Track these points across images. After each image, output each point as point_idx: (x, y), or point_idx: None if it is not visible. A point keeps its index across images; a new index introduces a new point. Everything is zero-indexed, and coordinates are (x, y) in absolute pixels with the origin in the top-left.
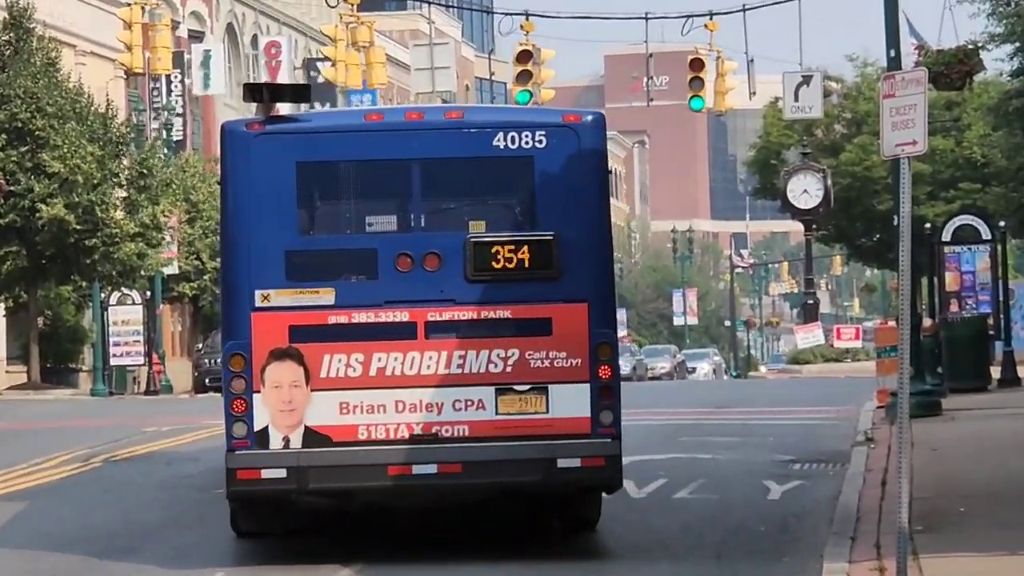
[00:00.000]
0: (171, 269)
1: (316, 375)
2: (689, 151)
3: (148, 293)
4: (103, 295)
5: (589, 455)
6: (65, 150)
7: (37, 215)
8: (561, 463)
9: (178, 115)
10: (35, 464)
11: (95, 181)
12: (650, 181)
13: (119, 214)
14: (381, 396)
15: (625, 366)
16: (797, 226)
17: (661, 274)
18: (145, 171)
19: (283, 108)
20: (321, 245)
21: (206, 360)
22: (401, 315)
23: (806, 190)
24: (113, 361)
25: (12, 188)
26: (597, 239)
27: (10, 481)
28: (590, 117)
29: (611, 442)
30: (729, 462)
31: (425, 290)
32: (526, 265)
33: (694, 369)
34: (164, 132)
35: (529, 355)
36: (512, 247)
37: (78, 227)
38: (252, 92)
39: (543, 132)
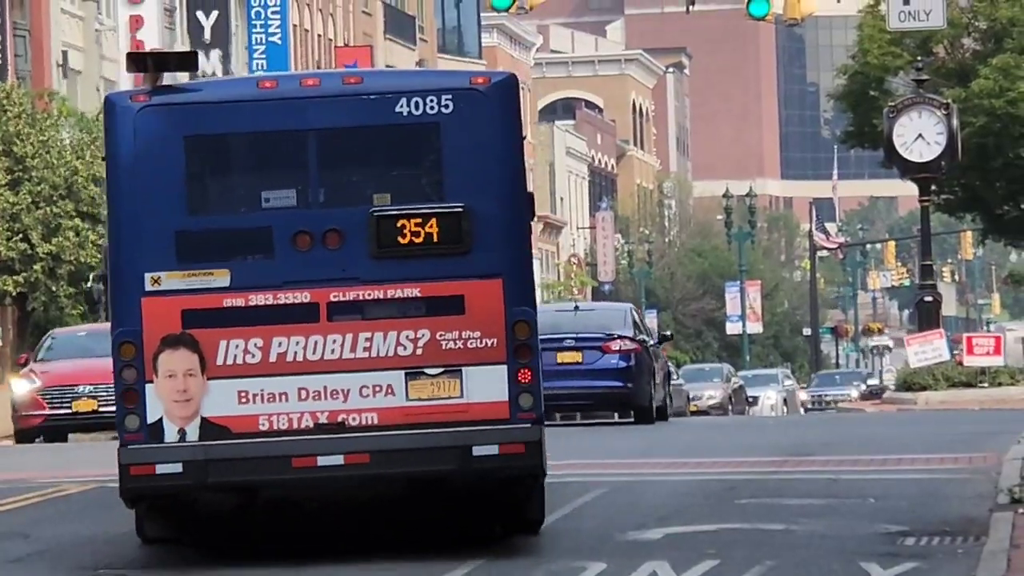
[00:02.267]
0: None
1: (212, 362)
2: (749, 79)
3: None
4: None
5: (507, 441)
6: None
7: None
8: (477, 451)
9: None
10: None
11: None
12: (691, 123)
13: None
14: (283, 383)
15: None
16: (908, 188)
17: (709, 260)
18: None
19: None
20: (214, 224)
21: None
22: (301, 296)
23: (921, 135)
24: None
25: None
26: (511, 210)
27: None
28: (500, 78)
29: (531, 427)
30: (810, 535)
31: (326, 269)
32: (435, 240)
33: (756, 399)
34: None
35: (440, 336)
36: (419, 221)
37: None
38: (135, 62)
39: (449, 96)
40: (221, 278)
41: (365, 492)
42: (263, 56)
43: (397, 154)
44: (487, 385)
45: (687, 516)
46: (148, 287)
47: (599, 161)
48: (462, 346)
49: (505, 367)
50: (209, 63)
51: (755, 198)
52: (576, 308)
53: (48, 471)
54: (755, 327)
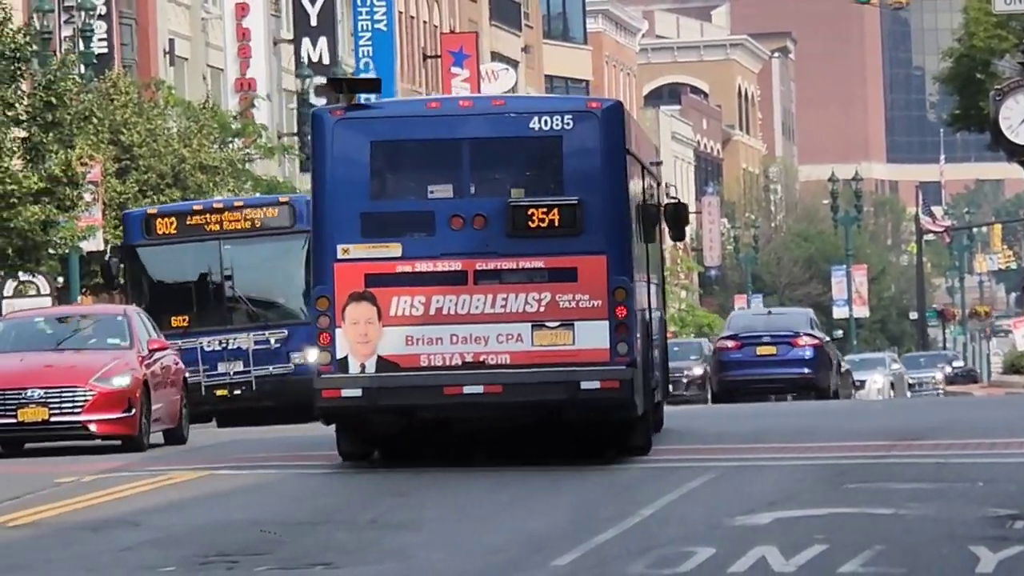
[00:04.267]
0: (94, 243)
1: (387, 313)
2: (854, 63)
3: (60, 279)
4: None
5: (607, 378)
6: None
7: None
8: (584, 385)
9: (100, 17)
10: None
11: None
12: (797, 108)
13: (16, 163)
14: (439, 331)
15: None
16: (1015, 171)
17: (815, 244)
18: (54, 100)
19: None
20: (390, 208)
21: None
22: (454, 265)
23: None
24: None
25: None
26: (614, 203)
27: None
28: (609, 104)
29: (625, 368)
30: (919, 519)
31: (474, 245)
32: (556, 224)
33: (862, 383)
34: (80, 42)
35: (559, 297)
36: (544, 210)
37: None
38: (334, 85)
39: (570, 116)
40: (394, 249)
41: (499, 416)
42: (368, 43)
43: (529, 159)
44: (593, 335)
45: (796, 501)
46: (339, 255)
47: (705, 146)
48: (575, 305)
49: (607, 322)
50: (316, 50)
51: (861, 182)
52: (769, 312)
53: (172, 464)
54: (861, 311)
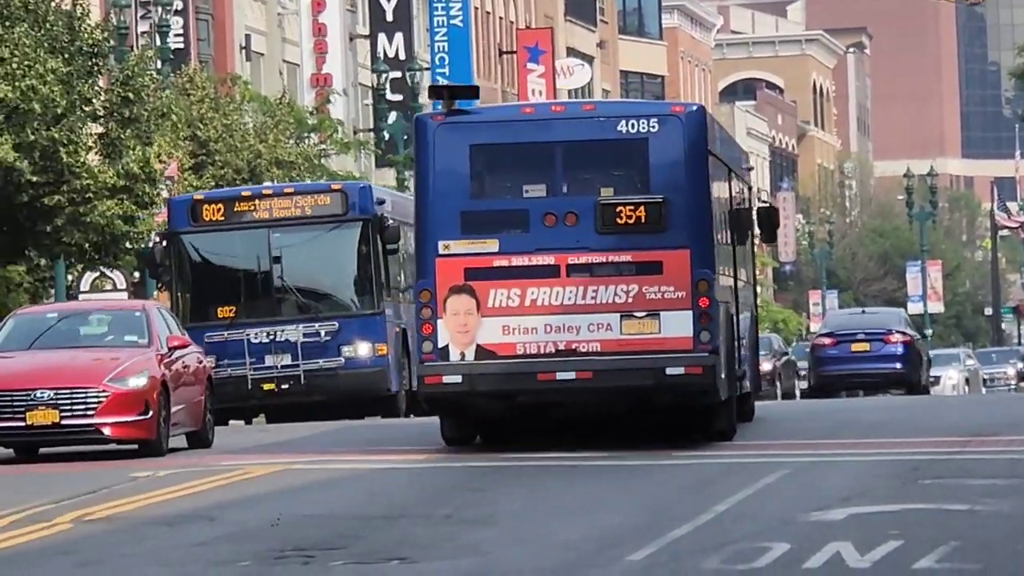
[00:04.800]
0: None
1: (485, 305)
2: (929, 58)
3: (137, 274)
4: (70, 277)
5: (690, 364)
6: (14, 65)
7: None
8: (669, 371)
9: (177, 12)
10: None
11: (58, 111)
12: (872, 103)
13: (94, 158)
14: (533, 321)
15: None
16: None
17: (890, 240)
18: (131, 95)
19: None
20: (488, 207)
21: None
22: (548, 259)
23: None
24: None
25: None
26: (696, 201)
27: None
28: (692, 108)
29: (708, 355)
30: (994, 516)
31: (566, 240)
32: (642, 221)
33: (937, 379)
34: (157, 37)
35: (645, 289)
36: (632, 207)
37: (33, 178)
38: (436, 92)
39: (655, 120)
40: (492, 245)
41: (590, 401)
42: (444, 38)
43: (617, 160)
44: (677, 324)
45: (870, 496)
46: (440, 251)
47: (780, 142)
48: (660, 296)
49: (691, 312)
50: (391, 46)
51: (936, 177)
52: (863, 311)
53: (242, 459)
54: (936, 307)
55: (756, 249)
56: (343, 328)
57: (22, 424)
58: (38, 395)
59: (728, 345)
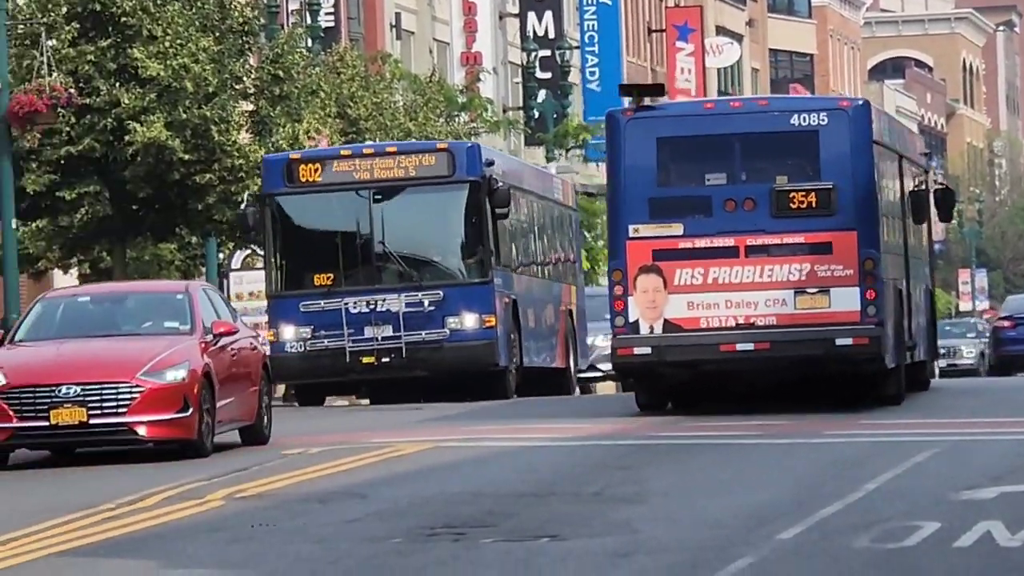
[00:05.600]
0: None
1: (671, 283)
2: None
3: None
4: (221, 255)
5: (858, 335)
6: (166, 44)
7: (126, 139)
8: (838, 341)
9: None
10: (126, 503)
11: (210, 89)
12: (1022, 82)
13: (244, 137)
14: (715, 297)
15: (970, 351)
16: None
17: None
18: (281, 74)
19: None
20: (673, 193)
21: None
22: (728, 241)
23: None
24: None
25: (88, 101)
26: (863, 187)
27: (89, 529)
28: (858, 103)
29: (875, 327)
30: None
31: (744, 224)
32: (813, 206)
33: None
34: (307, 16)
35: (816, 268)
36: (804, 193)
37: (185, 156)
38: (626, 90)
39: (824, 113)
40: (677, 229)
41: (767, 369)
42: (593, 17)
43: (790, 150)
44: (846, 300)
45: (1021, 475)
46: (630, 234)
47: (929, 120)
48: (830, 274)
49: (858, 288)
50: (541, 24)
51: None
52: None
53: (391, 436)
54: None
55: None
56: (448, 298)
57: (45, 424)
58: (63, 391)
59: (896, 318)
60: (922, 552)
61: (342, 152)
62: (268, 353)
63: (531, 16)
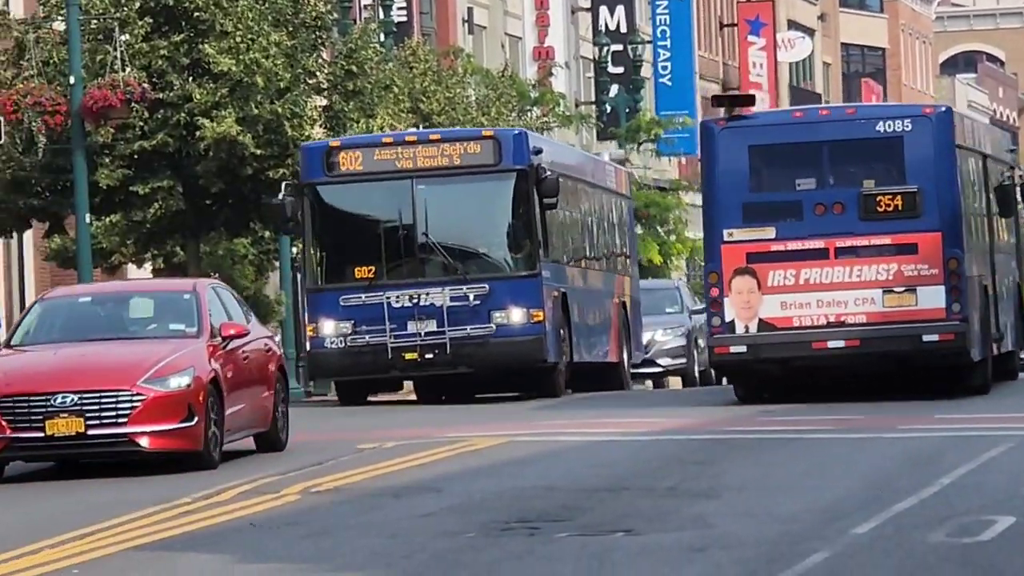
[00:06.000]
0: None
1: (764, 284)
2: None
3: None
4: (295, 250)
5: (944, 332)
6: (238, 39)
7: (198, 134)
8: (925, 338)
9: None
10: (202, 497)
11: (282, 84)
12: None
13: (318, 132)
14: (807, 297)
15: None
16: None
17: None
18: (354, 68)
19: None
20: (765, 199)
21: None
22: (818, 243)
23: None
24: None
25: (161, 96)
26: (947, 190)
27: (165, 523)
28: (941, 109)
29: (959, 323)
30: None
31: (834, 227)
32: (899, 208)
33: None
34: (380, 11)
35: (903, 267)
36: (890, 197)
37: (258, 151)
38: (719, 101)
39: (909, 120)
40: (770, 232)
41: (856, 365)
42: (666, 11)
43: (877, 156)
44: (931, 298)
45: None
46: (725, 238)
47: (1000, 114)
48: (916, 274)
49: (943, 286)
50: (613, 18)
51: None
52: None
53: (468, 430)
54: None
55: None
56: (494, 291)
57: (40, 435)
58: (59, 400)
59: (982, 312)
60: (998, 547)
61: (384, 140)
62: (310, 348)
63: (603, 10)
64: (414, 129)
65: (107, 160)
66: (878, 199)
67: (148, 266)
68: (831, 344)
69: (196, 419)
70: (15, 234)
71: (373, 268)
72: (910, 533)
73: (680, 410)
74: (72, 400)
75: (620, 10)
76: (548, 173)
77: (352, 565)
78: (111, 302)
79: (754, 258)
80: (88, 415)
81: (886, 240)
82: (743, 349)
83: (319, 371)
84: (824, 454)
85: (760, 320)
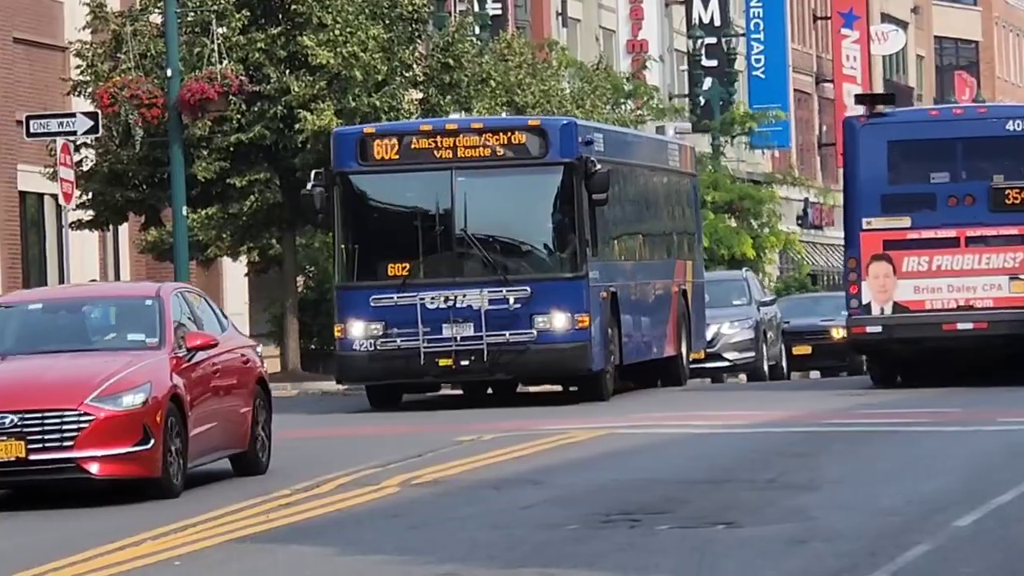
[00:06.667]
0: None
1: (900, 269)
2: None
3: None
4: None
5: None
6: (336, 32)
7: (296, 127)
8: None
9: None
10: (302, 489)
11: (380, 77)
12: None
13: None
14: (939, 283)
15: None
16: None
17: None
18: (451, 62)
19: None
20: (903, 191)
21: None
22: (951, 233)
23: None
24: None
25: (258, 88)
26: None
27: (265, 515)
28: None
29: None
30: None
31: (965, 217)
32: None
33: None
34: (476, 4)
35: None
36: (1018, 190)
37: None
38: (861, 99)
39: None
40: (905, 221)
41: (983, 346)
42: (759, 4)
43: (1006, 152)
44: None
45: None
46: (864, 227)
47: None
48: None
49: None
50: (707, 12)
51: None
52: None
53: (561, 423)
54: None
55: None
56: (536, 294)
57: None
58: None
59: None
60: None
61: (422, 127)
62: (337, 350)
63: (697, 3)
64: (456, 116)
65: (204, 153)
66: (1007, 192)
67: (243, 259)
68: (960, 326)
69: (152, 442)
70: (111, 227)
71: (407, 266)
72: (1014, 526)
73: (790, 402)
74: (11, 421)
75: (714, 3)
76: (598, 167)
77: (454, 557)
78: (63, 310)
79: (891, 245)
80: (30, 438)
81: (1013, 231)
82: (879, 329)
83: (347, 375)
84: (922, 447)
85: (895, 303)
